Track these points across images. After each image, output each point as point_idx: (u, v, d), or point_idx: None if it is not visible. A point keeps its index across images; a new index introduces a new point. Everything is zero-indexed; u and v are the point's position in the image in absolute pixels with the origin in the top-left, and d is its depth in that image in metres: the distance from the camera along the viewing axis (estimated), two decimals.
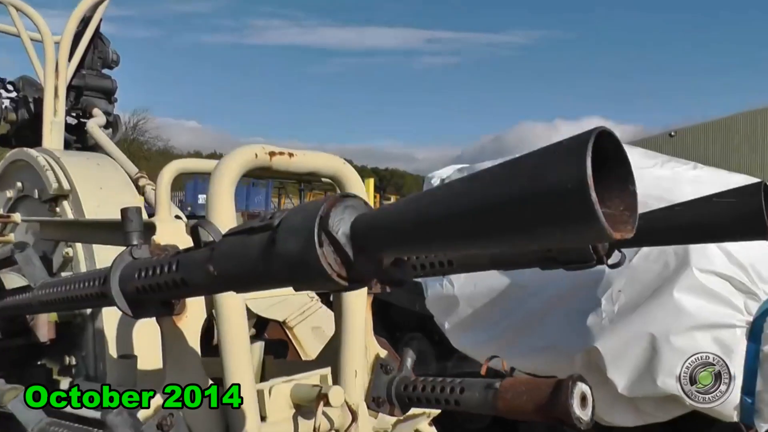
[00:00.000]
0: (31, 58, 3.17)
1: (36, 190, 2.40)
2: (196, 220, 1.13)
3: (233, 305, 1.45)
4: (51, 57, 2.89)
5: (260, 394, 1.57)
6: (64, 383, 2.15)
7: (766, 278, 3.56)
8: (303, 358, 2.74)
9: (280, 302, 2.80)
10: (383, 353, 1.81)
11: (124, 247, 1.98)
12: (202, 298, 1.57)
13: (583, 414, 1.39)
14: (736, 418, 3.49)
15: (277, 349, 2.69)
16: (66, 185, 2.28)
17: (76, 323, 2.16)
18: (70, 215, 2.28)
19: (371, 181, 16.25)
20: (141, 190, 2.49)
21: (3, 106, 3.29)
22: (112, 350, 2.06)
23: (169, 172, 2.01)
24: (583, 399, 1.36)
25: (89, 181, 2.32)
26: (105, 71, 3.45)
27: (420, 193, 0.80)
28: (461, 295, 4.62)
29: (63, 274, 2.22)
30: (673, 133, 26.42)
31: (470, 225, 0.68)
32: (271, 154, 1.46)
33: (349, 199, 0.82)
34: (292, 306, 2.84)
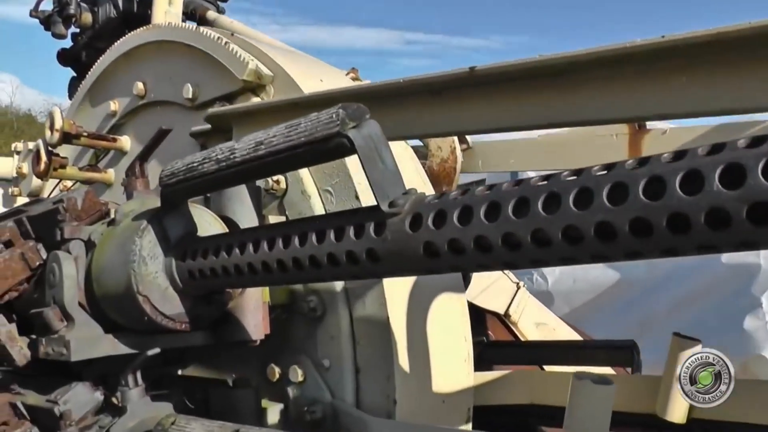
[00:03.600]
0: None
1: (187, 88, 1.43)
2: None
3: None
4: None
5: None
6: (273, 413, 1.21)
7: None
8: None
9: (488, 287, 1.94)
10: None
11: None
12: None
13: None
14: None
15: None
16: (266, 70, 1.33)
17: (305, 310, 1.22)
18: None
19: None
20: None
21: (74, 6, 2.26)
22: (404, 359, 1.14)
23: None
24: None
25: (303, 66, 1.38)
26: None
27: None
28: (557, 291, 3.97)
29: (270, 218, 1.27)
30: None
31: None
32: None
33: None
34: (504, 293, 1.98)
